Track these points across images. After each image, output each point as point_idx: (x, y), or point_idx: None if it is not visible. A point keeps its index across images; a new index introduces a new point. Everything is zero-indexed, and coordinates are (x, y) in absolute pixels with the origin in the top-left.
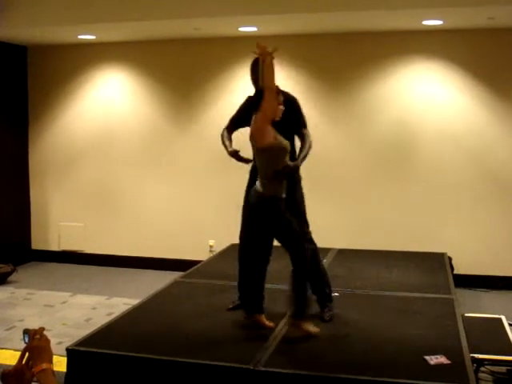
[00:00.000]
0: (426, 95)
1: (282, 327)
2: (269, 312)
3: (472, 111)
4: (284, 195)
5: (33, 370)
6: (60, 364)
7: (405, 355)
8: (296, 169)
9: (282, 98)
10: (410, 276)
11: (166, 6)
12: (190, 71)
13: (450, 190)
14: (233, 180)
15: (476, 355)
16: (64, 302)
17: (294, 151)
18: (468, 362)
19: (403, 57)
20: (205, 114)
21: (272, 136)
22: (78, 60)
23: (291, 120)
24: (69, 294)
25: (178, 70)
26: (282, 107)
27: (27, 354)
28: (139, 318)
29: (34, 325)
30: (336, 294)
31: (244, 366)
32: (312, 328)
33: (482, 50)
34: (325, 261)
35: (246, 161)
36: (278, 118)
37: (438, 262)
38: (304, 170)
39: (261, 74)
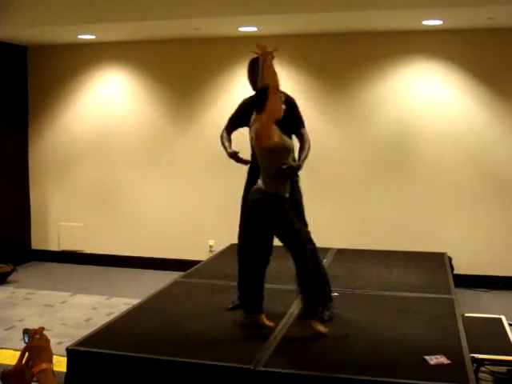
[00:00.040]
0: (426, 95)
1: (282, 327)
2: (269, 312)
3: (472, 111)
4: (287, 195)
5: (33, 369)
6: (60, 364)
7: (405, 355)
8: (298, 169)
9: (283, 98)
10: (409, 276)
11: (166, 5)
12: (190, 71)
13: (449, 190)
14: (233, 180)
15: (476, 355)
16: (64, 302)
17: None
18: (468, 362)
19: (403, 57)
20: (205, 114)
21: (277, 135)
22: (77, 60)
23: (290, 120)
24: (69, 293)
25: (177, 70)
26: (284, 106)
27: (27, 354)
28: (139, 318)
29: (33, 325)
30: (336, 293)
31: (244, 366)
32: (322, 328)
33: (482, 50)
34: (325, 261)
35: (245, 162)
36: (280, 118)
37: (438, 262)
38: (304, 169)
39: (261, 74)
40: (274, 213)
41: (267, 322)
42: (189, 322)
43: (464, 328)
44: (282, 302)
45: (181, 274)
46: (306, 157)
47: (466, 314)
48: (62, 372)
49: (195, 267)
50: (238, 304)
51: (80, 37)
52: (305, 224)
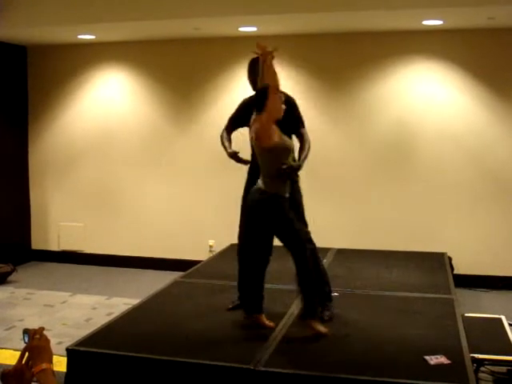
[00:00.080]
0: (426, 95)
1: (282, 327)
2: (269, 312)
3: (472, 111)
4: (287, 195)
5: (33, 369)
6: (60, 364)
7: (405, 355)
8: (298, 169)
9: (283, 98)
10: (410, 276)
11: (165, 5)
12: (190, 71)
13: (449, 189)
14: (233, 180)
15: (476, 355)
16: (64, 302)
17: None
18: (468, 362)
19: (403, 57)
20: (205, 114)
21: (278, 135)
22: (77, 60)
23: (290, 120)
24: (69, 293)
25: (177, 70)
26: (284, 106)
27: (27, 354)
28: (139, 318)
29: (33, 325)
30: (336, 293)
31: (244, 366)
32: (322, 328)
33: (482, 49)
34: (325, 261)
35: (245, 162)
36: (280, 118)
37: (438, 262)
38: (304, 169)
39: (261, 74)
40: (273, 213)
41: (267, 322)
42: (189, 322)
43: (464, 328)
44: (282, 301)
45: (181, 273)
46: (305, 157)
47: (466, 314)
48: (62, 372)
49: (195, 267)
50: (238, 304)
51: (80, 37)
52: (305, 224)
